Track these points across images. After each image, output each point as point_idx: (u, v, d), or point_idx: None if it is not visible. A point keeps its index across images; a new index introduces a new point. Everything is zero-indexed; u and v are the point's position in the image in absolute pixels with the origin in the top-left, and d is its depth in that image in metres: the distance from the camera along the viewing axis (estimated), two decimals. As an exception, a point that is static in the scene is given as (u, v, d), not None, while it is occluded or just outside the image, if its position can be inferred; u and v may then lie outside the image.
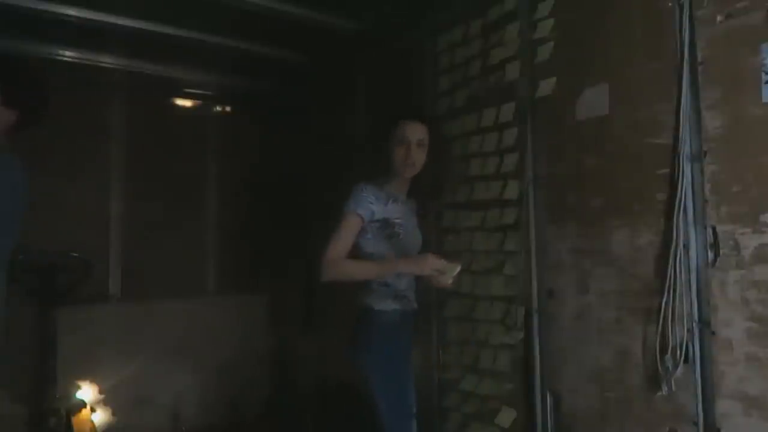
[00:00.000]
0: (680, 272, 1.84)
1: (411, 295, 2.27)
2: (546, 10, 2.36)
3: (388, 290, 2.19)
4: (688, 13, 1.85)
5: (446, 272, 2.03)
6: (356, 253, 2.17)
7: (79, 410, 3.45)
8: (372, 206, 2.13)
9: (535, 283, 2.36)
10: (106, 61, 3.73)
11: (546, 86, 2.34)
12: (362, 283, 2.18)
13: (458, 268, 2.05)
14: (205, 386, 4.18)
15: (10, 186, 1.85)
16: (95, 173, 4.06)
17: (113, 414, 3.72)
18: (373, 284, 2.17)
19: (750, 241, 1.70)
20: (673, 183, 1.87)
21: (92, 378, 3.68)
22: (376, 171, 2.26)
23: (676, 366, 1.84)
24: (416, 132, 2.21)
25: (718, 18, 1.79)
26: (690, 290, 1.83)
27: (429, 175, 2.29)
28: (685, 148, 1.84)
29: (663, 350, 1.88)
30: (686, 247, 1.84)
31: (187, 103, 4.55)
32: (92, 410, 3.55)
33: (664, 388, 1.87)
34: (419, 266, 2.04)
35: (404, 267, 2.10)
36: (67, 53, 3.57)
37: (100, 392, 3.69)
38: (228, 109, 4.72)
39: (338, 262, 2.05)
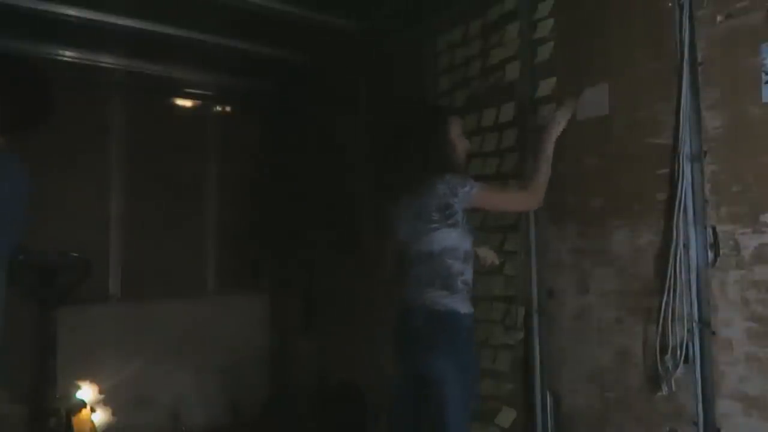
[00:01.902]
0: (680, 272, 1.84)
1: None
2: (546, 10, 2.36)
3: (468, 291, 2.07)
4: (688, 13, 1.85)
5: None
6: (445, 251, 2.04)
7: (79, 410, 3.45)
8: None
9: (535, 283, 2.36)
10: (106, 61, 3.74)
11: (546, 86, 2.34)
12: (442, 284, 2.02)
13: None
14: (205, 386, 4.18)
15: (9, 186, 1.84)
16: (95, 173, 4.06)
17: (113, 414, 3.72)
18: (458, 284, 2.03)
19: (750, 241, 1.70)
20: (673, 183, 1.87)
21: (92, 378, 3.68)
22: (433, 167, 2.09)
23: (676, 366, 1.84)
24: (461, 126, 2.25)
25: (718, 18, 1.79)
26: (690, 290, 1.83)
27: None
28: (685, 148, 1.84)
29: (663, 350, 1.88)
30: (686, 247, 1.84)
31: (187, 103, 4.55)
32: (92, 410, 3.55)
33: (665, 388, 1.87)
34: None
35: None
36: (67, 53, 3.58)
37: (100, 392, 3.69)
38: (228, 109, 4.72)
39: (530, 187, 2.12)
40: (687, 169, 1.84)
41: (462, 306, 2.03)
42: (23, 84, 1.93)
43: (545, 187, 2.12)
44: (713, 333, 1.78)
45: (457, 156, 2.17)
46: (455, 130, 2.17)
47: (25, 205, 1.89)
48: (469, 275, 2.08)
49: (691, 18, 1.85)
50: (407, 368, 2.11)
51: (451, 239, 2.02)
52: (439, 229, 2.01)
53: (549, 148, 2.14)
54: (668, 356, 1.86)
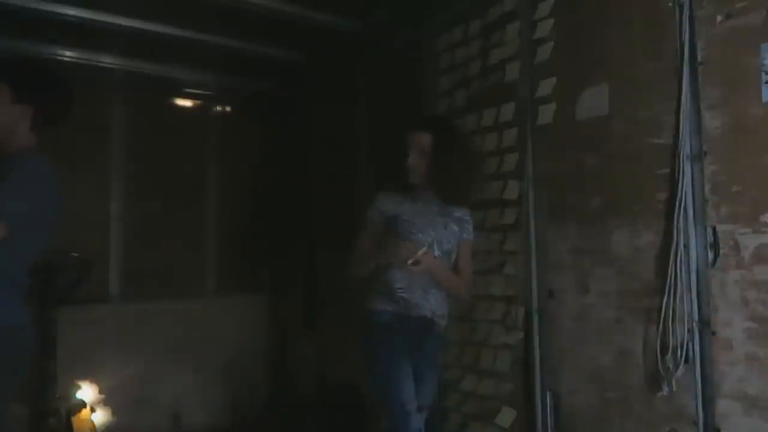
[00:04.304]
0: (680, 272, 1.84)
1: (417, 300, 2.18)
2: (546, 10, 2.36)
3: (383, 290, 2.19)
4: (688, 13, 1.85)
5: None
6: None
7: (79, 410, 3.45)
8: (381, 208, 2.25)
9: (535, 283, 2.36)
10: (106, 61, 3.73)
11: (546, 86, 2.34)
12: (368, 281, 2.26)
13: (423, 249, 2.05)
14: (205, 386, 4.18)
15: (37, 185, 1.87)
16: (95, 173, 4.05)
17: (113, 414, 3.72)
18: (374, 282, 2.23)
19: (750, 241, 1.70)
20: (673, 183, 1.87)
21: (92, 378, 3.68)
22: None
23: (676, 366, 1.84)
24: (417, 141, 2.22)
25: (718, 18, 1.79)
26: (690, 290, 1.84)
27: (439, 179, 2.22)
28: (685, 148, 1.84)
29: (663, 350, 1.88)
30: (686, 247, 1.84)
31: (187, 103, 4.55)
32: (92, 410, 3.55)
33: (665, 388, 1.87)
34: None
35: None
36: (67, 53, 3.57)
37: (100, 392, 3.69)
38: (228, 109, 4.72)
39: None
40: (687, 169, 1.84)
41: (372, 302, 2.25)
42: (34, 80, 1.98)
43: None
44: (713, 333, 1.78)
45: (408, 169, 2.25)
46: (411, 146, 2.25)
47: (55, 209, 1.91)
48: (391, 276, 2.17)
49: (691, 18, 1.85)
50: None
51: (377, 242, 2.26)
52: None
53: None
54: (668, 356, 1.86)
